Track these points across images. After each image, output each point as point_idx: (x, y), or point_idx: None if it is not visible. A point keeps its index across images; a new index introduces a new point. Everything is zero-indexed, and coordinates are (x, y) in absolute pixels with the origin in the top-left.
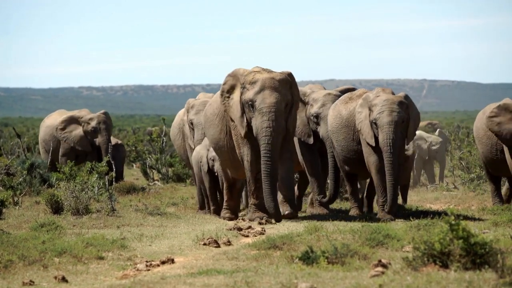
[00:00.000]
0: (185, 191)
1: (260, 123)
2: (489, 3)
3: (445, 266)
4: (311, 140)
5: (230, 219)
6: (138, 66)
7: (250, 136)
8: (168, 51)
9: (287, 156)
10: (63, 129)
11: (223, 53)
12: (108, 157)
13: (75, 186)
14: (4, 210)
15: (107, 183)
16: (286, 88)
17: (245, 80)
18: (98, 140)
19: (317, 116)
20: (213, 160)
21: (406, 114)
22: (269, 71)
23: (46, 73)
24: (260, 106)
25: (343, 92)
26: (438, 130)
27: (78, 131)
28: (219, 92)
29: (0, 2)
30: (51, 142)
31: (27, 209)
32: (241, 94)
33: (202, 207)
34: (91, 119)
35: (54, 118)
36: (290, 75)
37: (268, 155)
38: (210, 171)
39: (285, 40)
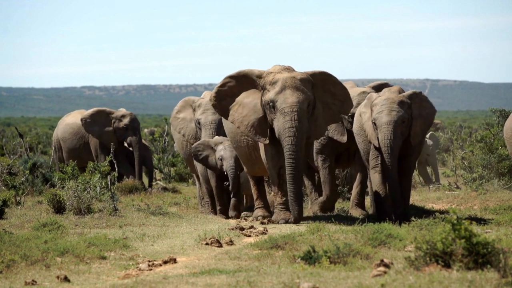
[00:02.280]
0: (187, 191)
1: (283, 124)
2: (492, 3)
3: (447, 265)
4: (344, 139)
5: (264, 217)
6: (140, 66)
7: (270, 137)
8: (170, 51)
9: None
10: (90, 124)
11: (225, 53)
12: (111, 157)
13: (77, 185)
14: (6, 209)
15: (109, 183)
16: (308, 87)
17: (265, 81)
18: (130, 138)
19: (352, 116)
20: (221, 160)
21: (407, 114)
22: (290, 71)
23: (48, 73)
24: (281, 106)
25: (376, 88)
26: (430, 133)
27: (107, 127)
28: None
29: (1, 2)
30: (70, 140)
31: (30, 208)
32: (262, 95)
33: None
34: (123, 116)
35: (76, 117)
36: (316, 74)
37: (293, 156)
38: (219, 170)
39: (287, 40)
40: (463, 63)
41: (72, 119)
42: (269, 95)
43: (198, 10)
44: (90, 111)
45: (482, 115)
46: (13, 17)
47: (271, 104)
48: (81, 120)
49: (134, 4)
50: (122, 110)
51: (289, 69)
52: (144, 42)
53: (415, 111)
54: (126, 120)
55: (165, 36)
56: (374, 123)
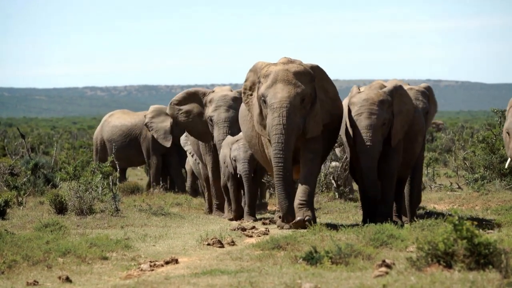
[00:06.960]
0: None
1: (271, 120)
2: (493, 3)
3: (449, 266)
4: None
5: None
6: (142, 66)
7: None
8: (172, 51)
9: (310, 157)
10: (152, 117)
11: (227, 54)
12: (113, 157)
13: (79, 186)
14: (8, 210)
15: (111, 183)
16: (305, 81)
17: (261, 74)
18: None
19: None
20: (235, 161)
21: (388, 114)
22: (287, 63)
23: (50, 73)
24: (271, 102)
25: (427, 88)
26: None
27: (165, 124)
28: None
29: (1, 2)
30: (120, 141)
31: (31, 209)
32: (257, 89)
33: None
34: None
35: (122, 117)
36: (314, 68)
37: (279, 155)
38: (234, 171)
39: (288, 41)
40: (465, 63)
41: (119, 120)
42: (261, 89)
43: (200, 10)
44: (150, 112)
45: (484, 115)
46: (14, 17)
47: (262, 98)
48: (146, 124)
49: (135, 4)
50: None
51: (292, 61)
52: (145, 43)
53: (395, 107)
54: None
55: (167, 37)
56: (353, 124)
